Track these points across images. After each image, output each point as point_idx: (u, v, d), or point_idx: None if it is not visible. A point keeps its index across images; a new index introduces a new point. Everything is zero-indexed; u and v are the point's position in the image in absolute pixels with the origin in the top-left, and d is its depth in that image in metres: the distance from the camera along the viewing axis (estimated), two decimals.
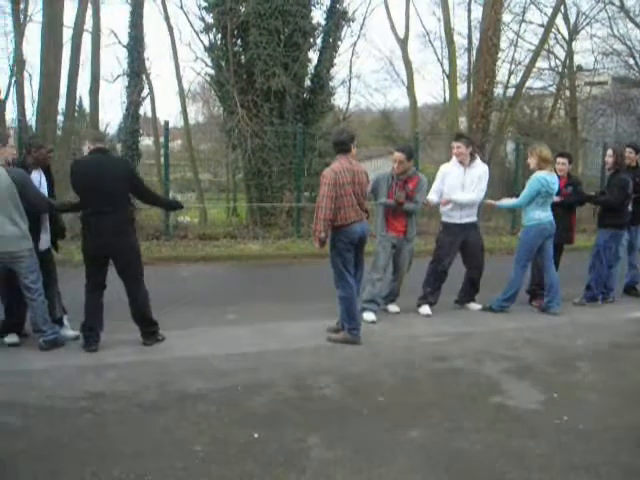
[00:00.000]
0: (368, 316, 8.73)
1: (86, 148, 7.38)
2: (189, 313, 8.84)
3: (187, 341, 7.66)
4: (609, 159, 10.00)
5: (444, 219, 9.41)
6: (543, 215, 9.18)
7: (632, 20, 26.90)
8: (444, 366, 7.07)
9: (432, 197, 9.35)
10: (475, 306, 9.60)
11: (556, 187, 9.26)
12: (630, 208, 10.06)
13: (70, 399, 5.84)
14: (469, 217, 9.30)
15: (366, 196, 7.99)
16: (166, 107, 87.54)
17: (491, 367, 7.03)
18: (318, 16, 19.32)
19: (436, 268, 9.31)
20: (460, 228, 9.25)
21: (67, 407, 5.67)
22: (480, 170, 9.27)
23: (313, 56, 19.25)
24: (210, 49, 19.27)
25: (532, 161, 9.29)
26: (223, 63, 18.63)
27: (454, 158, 9.28)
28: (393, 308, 9.35)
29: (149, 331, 7.55)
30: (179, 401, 5.86)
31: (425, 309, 9.25)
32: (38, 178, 7.45)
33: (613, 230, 9.94)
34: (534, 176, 9.18)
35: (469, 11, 26.46)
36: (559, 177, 9.55)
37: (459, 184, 9.16)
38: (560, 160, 9.89)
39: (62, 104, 19.51)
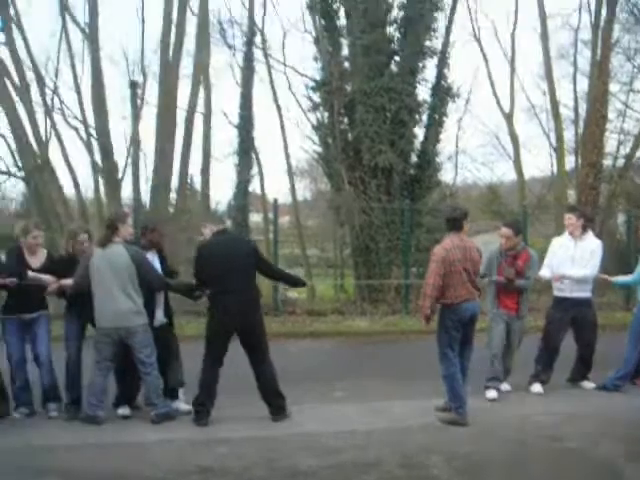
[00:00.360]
0: (490, 394, 8.58)
1: (208, 231, 7.65)
2: (297, 389, 8.81)
3: (296, 417, 7.64)
4: None
5: (555, 293, 9.20)
6: None
7: None
8: (558, 446, 6.89)
9: (544, 272, 9.16)
10: (589, 385, 9.21)
11: None
12: None
13: (181, 472, 5.93)
14: (581, 292, 9.00)
15: (478, 274, 7.92)
16: (274, 184, 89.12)
17: (609, 450, 6.80)
18: (423, 93, 19.52)
19: (547, 345, 9.09)
20: (570, 303, 8.99)
21: None
22: (593, 244, 9.04)
23: (419, 132, 19.41)
24: (317, 127, 19.67)
25: None
26: (330, 141, 18.97)
27: (566, 231, 9.12)
28: (504, 387, 9.12)
29: (278, 405, 7.58)
30: (288, 477, 5.87)
31: (537, 387, 9.02)
32: (151, 258, 7.73)
33: None
34: None
35: (574, 83, 26.23)
36: None
37: (569, 257, 8.96)
38: None
39: (174, 182, 20.10)
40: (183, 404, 7.83)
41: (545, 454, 6.67)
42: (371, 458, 6.40)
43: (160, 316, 7.85)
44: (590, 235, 9.14)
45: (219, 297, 7.38)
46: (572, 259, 8.95)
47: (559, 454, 6.67)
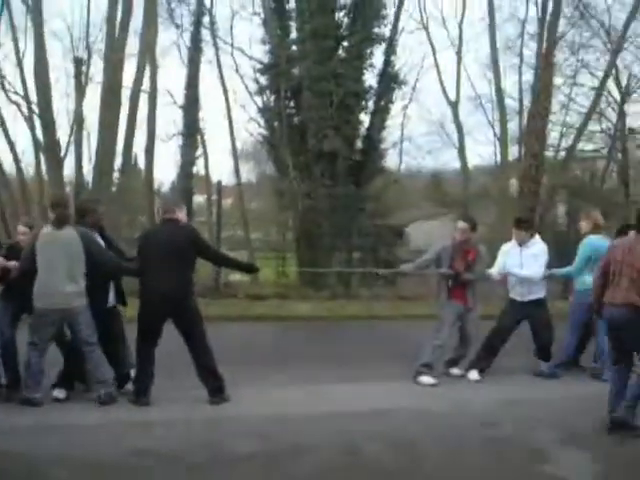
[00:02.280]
0: (427, 380, 8.71)
1: (182, 215, 7.83)
2: (237, 373, 8.72)
3: (235, 401, 7.61)
4: None
5: (509, 294, 9.47)
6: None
7: None
8: (494, 433, 6.98)
9: (493, 272, 9.42)
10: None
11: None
12: None
13: (117, 455, 5.88)
14: (531, 295, 9.26)
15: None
16: (219, 166, 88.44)
17: (543, 436, 6.92)
18: (370, 79, 19.58)
19: (494, 336, 9.28)
20: (524, 304, 9.25)
21: (113, 463, 5.71)
22: (536, 248, 9.26)
23: (365, 118, 19.51)
24: (263, 110, 19.59)
25: (586, 225, 9.25)
26: (276, 124, 18.92)
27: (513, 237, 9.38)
28: (455, 371, 9.30)
29: (216, 387, 7.57)
30: (225, 462, 5.86)
31: (474, 374, 9.16)
32: None
33: None
34: (585, 241, 9.12)
35: (520, 74, 26.39)
36: None
37: (517, 264, 9.20)
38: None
39: (118, 162, 19.86)
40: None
41: (480, 440, 6.75)
42: (311, 443, 6.40)
43: (111, 298, 7.81)
44: (536, 240, 9.35)
45: (148, 283, 7.41)
46: (521, 265, 9.18)
47: (493, 440, 6.75)
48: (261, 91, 19.60)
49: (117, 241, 8.64)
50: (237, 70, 21.84)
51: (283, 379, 8.75)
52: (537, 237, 9.41)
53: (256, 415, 7.20)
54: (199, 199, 26.30)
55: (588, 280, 8.87)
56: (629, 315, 6.77)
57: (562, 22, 23.51)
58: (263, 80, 19.43)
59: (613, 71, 25.95)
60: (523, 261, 9.17)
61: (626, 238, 7.60)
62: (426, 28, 27.15)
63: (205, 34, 21.67)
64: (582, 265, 9.10)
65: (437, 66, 27.66)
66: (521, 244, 9.25)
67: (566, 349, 9.30)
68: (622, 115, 28.49)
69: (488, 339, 9.28)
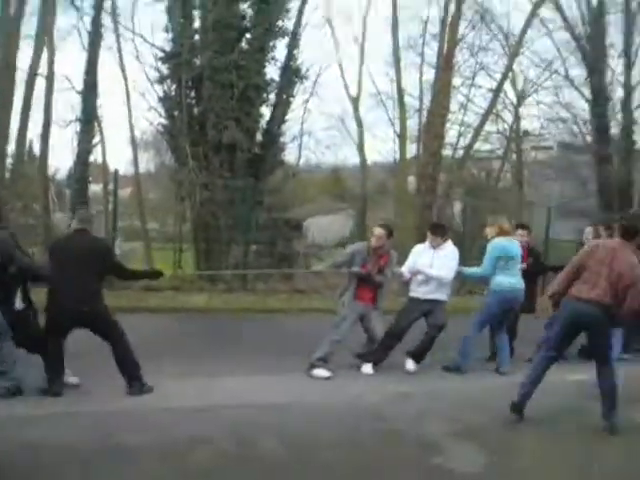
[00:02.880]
0: (321, 373, 8.85)
1: (74, 223, 7.92)
2: None
3: (130, 395, 7.55)
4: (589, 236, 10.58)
5: (410, 294, 9.64)
6: (510, 280, 9.42)
7: (576, 89, 27.66)
8: (385, 426, 7.06)
9: (404, 271, 9.61)
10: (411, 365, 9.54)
11: (517, 251, 9.54)
12: None
13: (8, 449, 5.73)
14: (432, 294, 9.44)
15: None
16: (117, 155, 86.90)
17: (432, 429, 7.03)
18: (272, 72, 19.54)
19: (393, 332, 9.42)
20: (422, 302, 9.44)
21: (4, 457, 5.56)
22: (447, 251, 9.52)
23: (266, 111, 19.47)
24: (164, 99, 19.32)
25: (491, 231, 9.58)
26: (176, 114, 18.71)
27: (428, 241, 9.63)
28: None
29: (135, 375, 7.66)
30: (115, 455, 5.78)
31: (367, 368, 9.31)
32: None
33: None
34: (493, 243, 9.40)
35: (421, 73, 26.83)
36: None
37: (429, 264, 9.40)
38: (520, 232, 10.19)
39: (12, 147, 19.36)
40: (71, 377, 7.80)
41: (370, 434, 6.83)
42: (203, 435, 6.39)
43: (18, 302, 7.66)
44: (449, 244, 9.63)
45: (57, 290, 7.48)
46: (431, 265, 9.38)
47: (384, 434, 6.85)
48: (162, 80, 19.30)
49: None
50: (138, 57, 21.51)
51: (178, 371, 8.70)
52: (449, 242, 9.69)
53: (151, 408, 7.16)
54: (96, 188, 25.82)
55: (502, 280, 9.28)
56: (600, 315, 7.03)
57: (463, 24, 24.05)
58: (164, 69, 19.16)
59: (510, 74, 26.66)
60: (434, 262, 9.38)
61: (609, 241, 7.88)
62: (330, 23, 27.36)
63: (106, 19, 21.24)
64: (491, 265, 9.38)
65: (339, 61, 27.89)
66: (434, 247, 9.50)
67: (465, 343, 9.60)
68: (517, 117, 29.33)
69: (386, 335, 9.41)
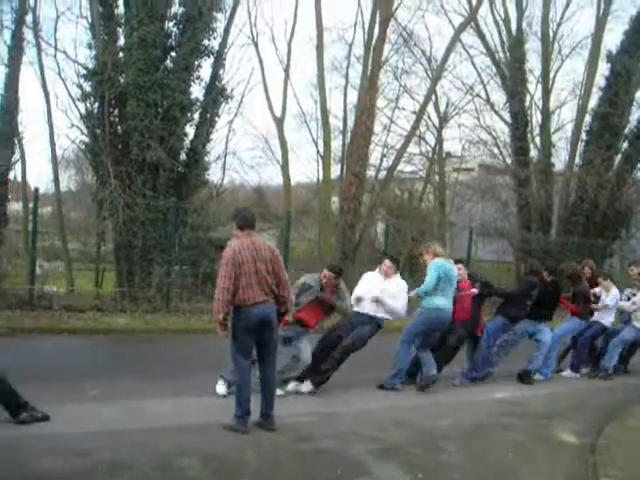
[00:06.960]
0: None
1: None
2: (48, 388, 8.41)
3: (50, 419, 7.26)
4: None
5: (354, 308, 9.87)
6: (442, 302, 9.74)
7: (496, 113, 28.35)
8: (310, 447, 7.04)
9: (366, 296, 9.87)
10: (307, 386, 9.54)
11: (454, 274, 9.96)
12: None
13: None
14: (376, 313, 9.80)
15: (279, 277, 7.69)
16: (37, 173, 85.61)
17: (358, 449, 7.04)
18: (197, 91, 19.47)
19: (325, 338, 9.79)
20: (365, 318, 9.79)
21: None
22: (400, 283, 10.05)
23: (190, 130, 19.36)
24: (86, 117, 19.05)
25: (427, 257, 9.97)
26: (99, 132, 18.46)
27: (379, 270, 10.13)
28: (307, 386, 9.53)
29: (17, 403, 7.20)
30: None
31: (307, 386, 9.49)
32: None
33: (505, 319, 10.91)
34: (434, 263, 9.78)
35: (345, 95, 27.12)
36: (459, 281, 10.25)
37: (379, 290, 9.81)
38: (457, 266, 10.41)
39: None
40: None
41: (295, 455, 6.82)
42: (124, 460, 6.28)
43: None
44: (398, 276, 10.15)
45: None
46: (381, 291, 9.78)
47: (309, 454, 6.83)
48: (85, 97, 19.02)
49: None
50: (60, 74, 21.16)
51: (98, 394, 8.56)
52: (398, 275, 10.19)
53: (72, 432, 6.99)
54: (16, 207, 25.31)
55: (435, 301, 9.73)
56: None
57: (387, 47, 24.37)
58: (87, 86, 18.90)
59: (433, 97, 27.12)
60: (386, 290, 9.80)
61: None
62: (255, 44, 27.43)
63: (27, 33, 20.88)
64: (435, 280, 9.67)
65: (264, 82, 27.95)
66: (386, 277, 9.96)
67: (400, 360, 9.92)
68: (440, 139, 29.88)
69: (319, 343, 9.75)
